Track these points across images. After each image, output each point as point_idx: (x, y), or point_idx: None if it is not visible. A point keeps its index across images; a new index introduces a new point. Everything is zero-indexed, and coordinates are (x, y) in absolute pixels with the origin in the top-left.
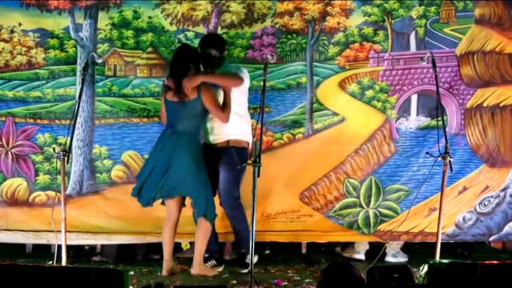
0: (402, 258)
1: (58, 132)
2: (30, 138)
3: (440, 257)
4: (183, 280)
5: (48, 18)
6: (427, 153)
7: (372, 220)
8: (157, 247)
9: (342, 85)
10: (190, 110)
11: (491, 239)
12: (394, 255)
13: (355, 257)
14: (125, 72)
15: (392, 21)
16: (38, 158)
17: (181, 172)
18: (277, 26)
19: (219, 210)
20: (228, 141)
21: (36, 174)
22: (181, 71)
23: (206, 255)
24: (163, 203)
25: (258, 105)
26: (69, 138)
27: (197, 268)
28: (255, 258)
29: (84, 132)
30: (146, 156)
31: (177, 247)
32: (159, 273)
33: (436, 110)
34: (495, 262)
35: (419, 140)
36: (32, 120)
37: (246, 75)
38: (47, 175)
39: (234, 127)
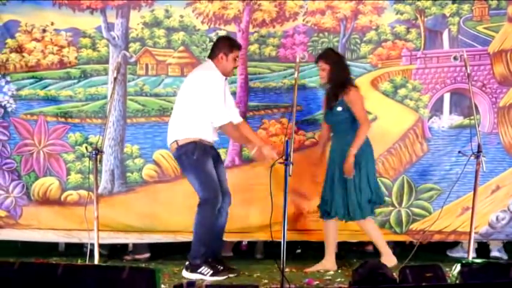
0: (504, 255)
1: (89, 131)
2: (62, 137)
3: None
4: (213, 279)
5: (80, 18)
6: (459, 152)
7: (404, 219)
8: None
9: (374, 83)
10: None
11: None
12: (499, 250)
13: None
14: (157, 71)
15: (425, 19)
16: (70, 157)
17: None
18: (309, 24)
19: None
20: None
21: (68, 174)
22: None
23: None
24: None
25: (290, 104)
26: (101, 137)
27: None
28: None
29: (115, 131)
30: None
31: None
32: None
33: (469, 109)
34: None
35: (452, 138)
36: (63, 119)
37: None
38: (78, 174)
39: None
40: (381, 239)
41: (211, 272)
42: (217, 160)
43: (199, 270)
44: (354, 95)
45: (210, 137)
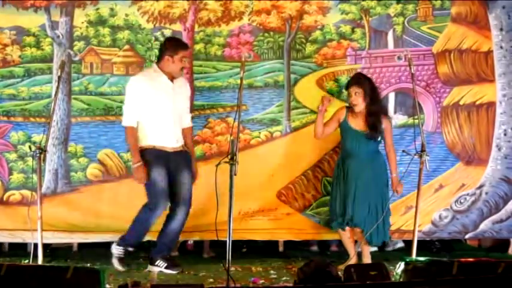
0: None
1: (32, 130)
2: (4, 136)
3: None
4: (159, 279)
5: (24, 16)
6: (403, 151)
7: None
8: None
9: (319, 83)
10: None
11: (467, 236)
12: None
13: None
14: (102, 70)
15: (370, 19)
16: (12, 156)
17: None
18: (255, 24)
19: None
20: (183, 146)
21: (10, 173)
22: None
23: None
24: None
25: (235, 103)
26: (44, 136)
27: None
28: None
29: (59, 130)
30: (123, 154)
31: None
32: (136, 271)
33: (413, 108)
34: (471, 260)
35: (396, 138)
36: (5, 118)
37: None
38: (21, 174)
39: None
40: None
41: (166, 265)
42: (178, 168)
43: (156, 263)
44: (389, 124)
45: (163, 143)
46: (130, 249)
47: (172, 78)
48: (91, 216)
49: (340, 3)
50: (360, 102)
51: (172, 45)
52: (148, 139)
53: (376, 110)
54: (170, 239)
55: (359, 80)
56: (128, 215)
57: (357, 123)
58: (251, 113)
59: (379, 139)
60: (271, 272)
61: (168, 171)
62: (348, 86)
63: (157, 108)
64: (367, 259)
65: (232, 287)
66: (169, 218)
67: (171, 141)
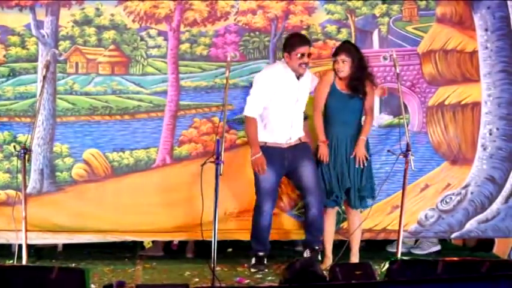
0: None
1: (17, 130)
2: None
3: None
4: (144, 279)
5: (9, 15)
6: (388, 151)
7: (335, 218)
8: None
9: None
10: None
11: (452, 236)
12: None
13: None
14: (87, 70)
15: (356, 19)
16: None
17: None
18: (240, 24)
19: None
20: (300, 138)
21: None
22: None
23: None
24: None
25: (221, 103)
26: (29, 136)
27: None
28: None
29: (44, 130)
30: (108, 154)
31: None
32: (121, 271)
33: (399, 108)
34: (455, 259)
35: (382, 138)
36: None
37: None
38: (6, 174)
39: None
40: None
41: (254, 263)
42: (295, 160)
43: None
44: (372, 90)
45: (277, 140)
46: (261, 254)
47: (299, 75)
48: (76, 217)
49: (325, 4)
50: (346, 70)
51: (290, 42)
52: (261, 135)
53: (360, 76)
54: (315, 229)
55: (348, 49)
56: (112, 215)
57: (343, 86)
58: (237, 113)
59: (361, 98)
60: (257, 272)
61: (285, 167)
62: (336, 53)
63: (279, 106)
64: (354, 258)
65: (218, 286)
66: (305, 210)
67: (286, 139)
